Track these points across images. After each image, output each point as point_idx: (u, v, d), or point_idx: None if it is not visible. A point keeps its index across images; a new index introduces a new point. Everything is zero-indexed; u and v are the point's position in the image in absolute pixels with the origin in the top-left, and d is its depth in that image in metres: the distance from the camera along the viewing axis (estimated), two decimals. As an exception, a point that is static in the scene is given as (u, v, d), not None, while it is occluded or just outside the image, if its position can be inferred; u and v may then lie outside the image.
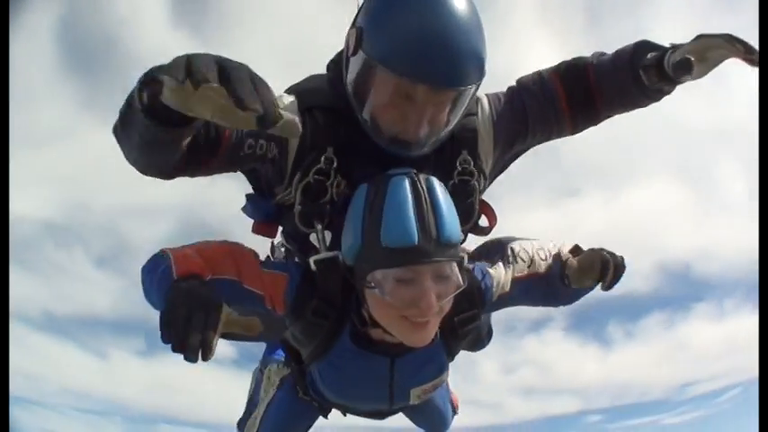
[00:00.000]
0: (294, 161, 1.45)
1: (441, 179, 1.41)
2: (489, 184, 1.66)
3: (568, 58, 1.58)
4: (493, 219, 1.67)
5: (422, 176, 1.35)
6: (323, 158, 1.43)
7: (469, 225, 1.60)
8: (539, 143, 1.66)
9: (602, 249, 1.52)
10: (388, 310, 1.34)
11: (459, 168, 1.52)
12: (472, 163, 1.53)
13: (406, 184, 1.32)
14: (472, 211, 1.57)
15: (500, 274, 1.56)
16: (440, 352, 1.58)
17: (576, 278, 1.55)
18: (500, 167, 1.67)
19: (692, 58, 1.32)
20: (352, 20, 1.44)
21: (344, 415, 1.89)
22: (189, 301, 1.14)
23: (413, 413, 2.10)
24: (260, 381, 2.05)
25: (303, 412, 1.96)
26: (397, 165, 1.39)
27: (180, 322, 1.10)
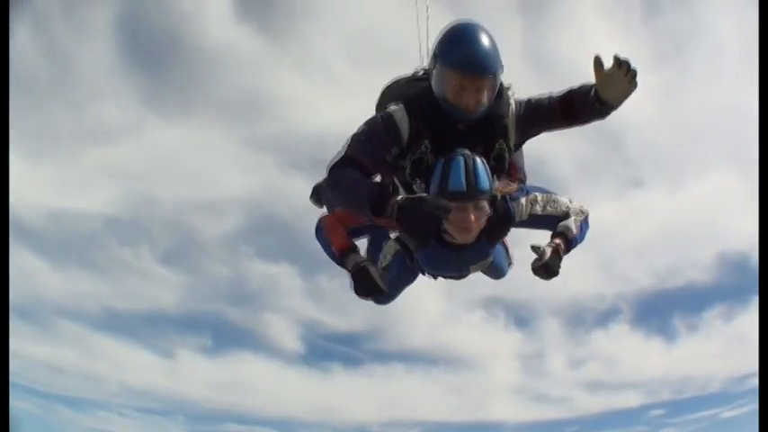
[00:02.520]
0: (407, 146, 2.60)
1: (486, 151, 2.57)
2: (515, 151, 2.78)
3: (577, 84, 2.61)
4: (515, 173, 2.85)
5: (470, 155, 2.43)
6: (423, 146, 2.59)
7: (503, 175, 2.69)
8: (544, 132, 2.77)
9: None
10: (451, 225, 2.48)
11: (497, 147, 2.64)
12: (504, 145, 2.66)
13: (461, 158, 2.42)
14: (503, 169, 2.68)
15: (522, 207, 2.69)
16: (483, 248, 2.77)
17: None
18: (522, 143, 2.78)
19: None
20: (431, 53, 2.62)
21: (435, 279, 3.08)
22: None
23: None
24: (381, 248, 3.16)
25: (410, 271, 3.12)
26: (464, 145, 2.48)
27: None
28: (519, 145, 2.77)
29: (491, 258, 2.90)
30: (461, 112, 2.51)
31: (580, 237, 2.73)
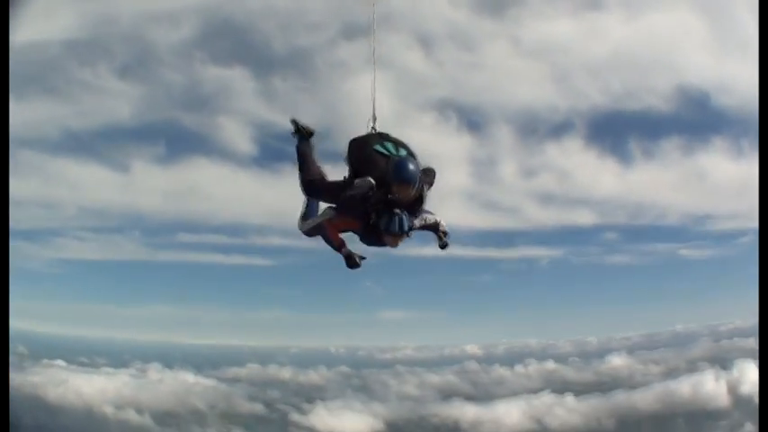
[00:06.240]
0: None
1: (411, 210, 5.21)
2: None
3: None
4: (421, 212, 5.44)
5: (402, 213, 5.08)
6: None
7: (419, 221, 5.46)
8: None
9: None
10: (388, 243, 5.26)
11: (417, 209, 5.29)
12: (420, 207, 5.32)
13: (397, 216, 5.08)
14: (417, 213, 5.32)
15: (415, 222, 5.31)
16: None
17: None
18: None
19: None
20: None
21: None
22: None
23: None
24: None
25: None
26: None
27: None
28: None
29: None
30: (399, 198, 5.06)
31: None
